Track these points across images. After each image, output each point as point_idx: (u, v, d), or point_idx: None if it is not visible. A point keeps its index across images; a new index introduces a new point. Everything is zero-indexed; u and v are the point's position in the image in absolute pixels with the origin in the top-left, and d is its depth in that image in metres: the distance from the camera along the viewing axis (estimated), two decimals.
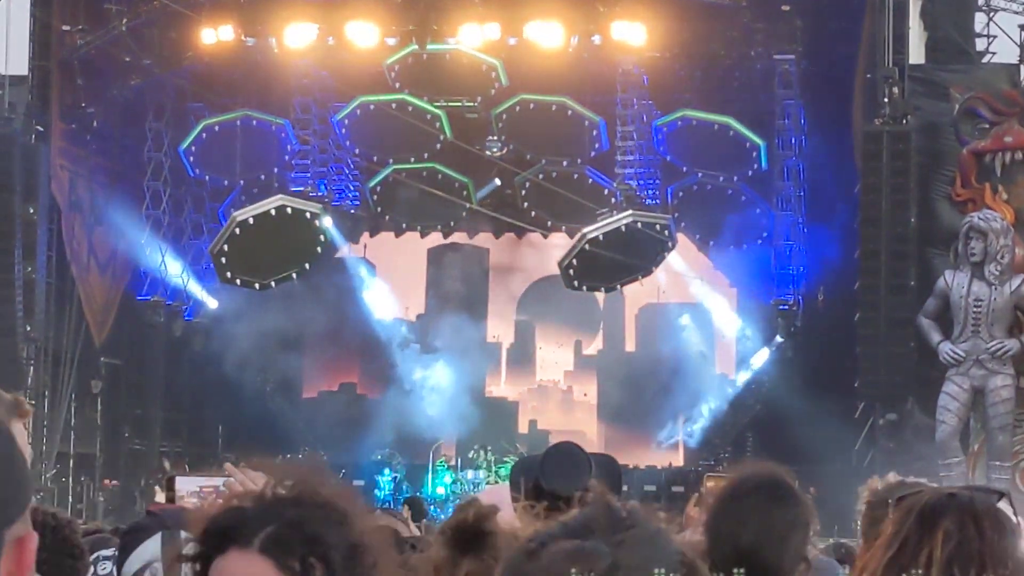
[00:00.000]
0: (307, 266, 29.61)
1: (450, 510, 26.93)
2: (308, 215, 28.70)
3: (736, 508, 4.32)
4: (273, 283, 29.29)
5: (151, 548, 4.19)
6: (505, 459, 29.25)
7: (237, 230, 28.13)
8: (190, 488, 4.12)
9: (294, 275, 29.54)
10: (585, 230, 28.03)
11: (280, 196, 28.71)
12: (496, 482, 27.85)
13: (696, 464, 29.31)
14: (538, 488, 5.97)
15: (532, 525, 2.16)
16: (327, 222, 29.49)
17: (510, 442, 30.29)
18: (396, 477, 29.10)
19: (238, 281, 28.87)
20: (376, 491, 28.38)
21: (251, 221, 28.12)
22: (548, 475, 5.82)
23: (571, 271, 28.53)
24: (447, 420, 30.83)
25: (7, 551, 2.09)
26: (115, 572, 4.24)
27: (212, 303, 30.49)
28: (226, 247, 28.29)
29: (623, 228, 27.84)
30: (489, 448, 29.58)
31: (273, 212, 28.28)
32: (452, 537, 3.32)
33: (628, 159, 29.72)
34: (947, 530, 3.23)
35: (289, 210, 28.43)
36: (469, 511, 3.36)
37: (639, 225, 27.90)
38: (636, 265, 28.41)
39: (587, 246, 27.89)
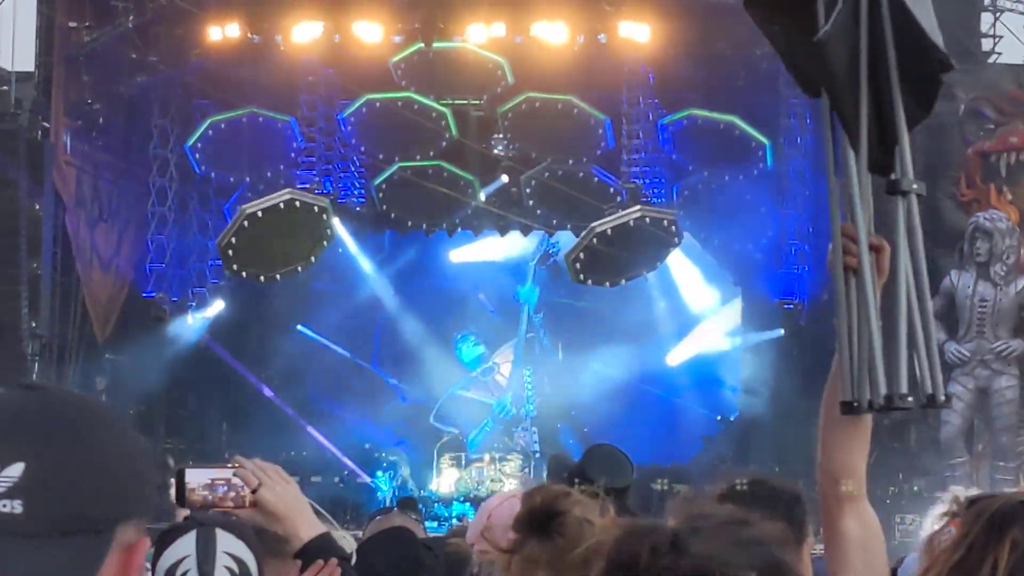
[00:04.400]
0: (312, 260, 29.61)
1: (455, 508, 26.96)
2: (316, 209, 28.70)
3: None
4: (278, 276, 29.27)
5: (184, 545, 4.20)
6: (508, 456, 29.28)
7: (245, 223, 28.14)
8: (201, 480, 4.09)
9: (299, 268, 29.54)
10: (593, 224, 28.03)
11: (289, 190, 28.70)
12: (501, 480, 27.85)
13: (699, 463, 29.28)
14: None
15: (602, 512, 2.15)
16: (335, 220, 29.52)
17: (511, 437, 30.29)
18: (399, 475, 29.03)
19: (244, 274, 28.86)
20: (377, 491, 28.35)
21: (260, 214, 28.13)
22: (595, 473, 6.06)
23: (578, 265, 28.51)
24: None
25: (115, 555, 1.90)
26: (150, 570, 4.24)
27: (217, 300, 30.49)
28: (234, 239, 28.27)
29: (631, 223, 27.85)
30: (494, 445, 29.59)
31: (281, 205, 28.27)
32: (522, 523, 3.26)
33: (634, 157, 29.66)
34: (1015, 539, 3.10)
35: (298, 203, 28.44)
36: (537, 497, 3.30)
37: (647, 220, 27.90)
38: (642, 261, 28.40)
39: (595, 240, 27.89)
